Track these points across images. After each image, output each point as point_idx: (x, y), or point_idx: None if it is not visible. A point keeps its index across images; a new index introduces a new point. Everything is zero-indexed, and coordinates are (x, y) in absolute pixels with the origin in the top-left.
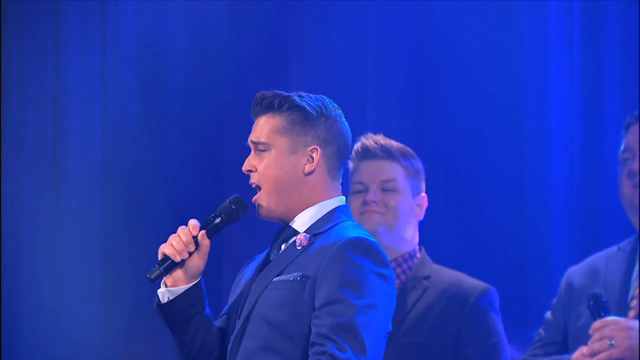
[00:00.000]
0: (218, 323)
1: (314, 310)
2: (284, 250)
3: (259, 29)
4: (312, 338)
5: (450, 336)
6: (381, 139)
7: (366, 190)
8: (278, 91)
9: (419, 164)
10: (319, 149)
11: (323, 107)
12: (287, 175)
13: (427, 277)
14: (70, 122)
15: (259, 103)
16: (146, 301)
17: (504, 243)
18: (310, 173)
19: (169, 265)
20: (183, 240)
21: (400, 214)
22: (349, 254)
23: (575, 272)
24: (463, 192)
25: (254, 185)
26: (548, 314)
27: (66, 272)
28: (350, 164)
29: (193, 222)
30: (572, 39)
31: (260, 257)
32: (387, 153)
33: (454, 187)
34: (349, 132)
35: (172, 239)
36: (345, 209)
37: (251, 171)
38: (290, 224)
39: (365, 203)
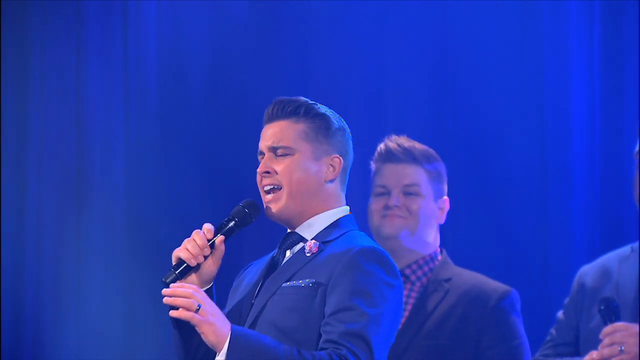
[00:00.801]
0: None
1: (324, 317)
2: (292, 256)
3: (280, 30)
4: (321, 344)
5: (471, 339)
6: (405, 141)
7: (388, 193)
8: (299, 97)
9: (441, 167)
10: (340, 158)
11: (341, 120)
12: (310, 179)
13: (448, 280)
14: (93, 123)
15: (280, 108)
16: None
17: (525, 245)
18: (331, 181)
19: (185, 269)
20: (199, 244)
21: (422, 218)
22: (361, 262)
23: (588, 273)
24: (485, 194)
25: (267, 188)
26: (560, 314)
27: (89, 276)
28: (373, 165)
29: (208, 226)
30: (592, 39)
31: (260, 263)
32: (410, 156)
33: (475, 189)
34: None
35: (187, 242)
36: (350, 219)
37: (268, 172)
38: (296, 230)
39: (387, 207)
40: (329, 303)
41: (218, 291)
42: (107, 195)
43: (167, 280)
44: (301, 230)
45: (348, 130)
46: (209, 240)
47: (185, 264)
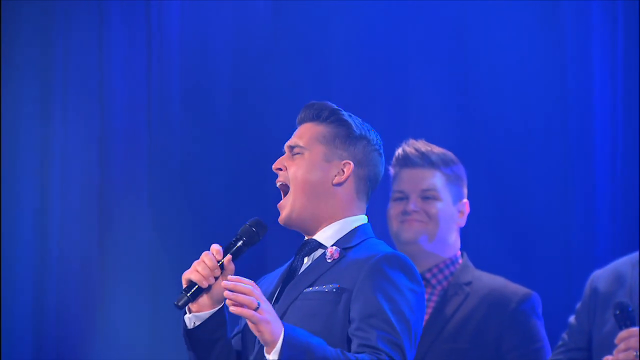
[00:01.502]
0: (233, 343)
1: (349, 322)
2: (312, 262)
3: (304, 31)
4: (357, 348)
5: (491, 342)
6: (422, 145)
7: (406, 198)
8: (329, 103)
9: (460, 170)
10: (351, 164)
11: (367, 131)
12: (315, 179)
13: (468, 283)
14: (116, 125)
15: (306, 111)
16: None
17: (547, 248)
18: (339, 185)
19: (196, 291)
20: (209, 266)
21: (441, 222)
22: (385, 268)
23: (600, 277)
24: (506, 197)
25: (279, 184)
26: (572, 319)
27: (114, 280)
28: (391, 170)
29: (216, 247)
30: (615, 40)
31: (274, 274)
32: (427, 161)
33: (497, 192)
34: (383, 167)
35: (197, 265)
36: (368, 228)
37: (280, 169)
38: (314, 237)
39: (405, 212)
40: (355, 308)
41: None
42: (131, 198)
43: (180, 303)
44: (319, 237)
45: (377, 145)
46: (218, 262)
47: (197, 286)
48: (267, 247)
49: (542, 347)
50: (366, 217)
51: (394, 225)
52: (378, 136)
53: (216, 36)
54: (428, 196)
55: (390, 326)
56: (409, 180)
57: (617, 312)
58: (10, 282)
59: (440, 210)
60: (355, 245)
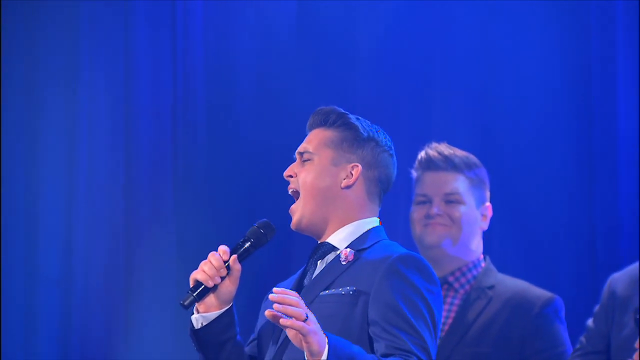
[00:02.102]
0: (248, 350)
1: (368, 324)
2: (327, 265)
3: (327, 35)
4: (385, 350)
5: (514, 346)
6: (445, 148)
7: (429, 202)
8: (336, 107)
9: (483, 173)
10: (359, 167)
11: (376, 133)
12: (324, 184)
13: (491, 287)
14: (141, 129)
15: (314, 116)
16: None
17: (572, 252)
18: (348, 187)
19: (202, 291)
20: (215, 265)
21: (464, 226)
22: (402, 269)
23: (618, 281)
24: (529, 200)
25: (291, 191)
26: (589, 322)
27: (139, 276)
28: (414, 173)
29: (223, 248)
30: None
31: (288, 281)
32: (450, 164)
33: (520, 195)
34: (395, 167)
35: (204, 265)
36: (381, 230)
37: (291, 177)
38: (327, 241)
39: (428, 216)
40: (374, 310)
41: (240, 309)
42: (156, 204)
43: (185, 303)
44: (332, 240)
45: (386, 146)
46: (225, 262)
47: (203, 286)
48: (292, 252)
49: (565, 351)
50: (378, 220)
51: (417, 229)
52: (388, 137)
53: (240, 38)
54: (451, 200)
55: (412, 328)
56: (432, 183)
57: (638, 317)
58: (35, 305)
59: (464, 214)
60: (369, 247)
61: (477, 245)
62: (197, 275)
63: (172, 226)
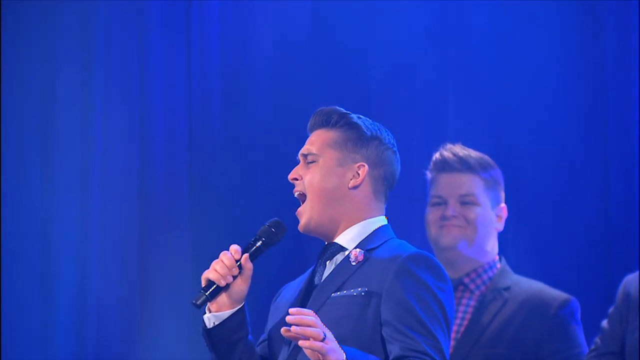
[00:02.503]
0: (259, 350)
1: (381, 325)
2: (337, 266)
3: (342, 35)
4: (401, 351)
5: (530, 347)
6: (459, 149)
7: (445, 203)
8: (337, 107)
9: (498, 174)
10: (366, 166)
11: (378, 131)
12: (331, 185)
13: (507, 288)
14: (156, 130)
15: (316, 117)
16: None
17: (588, 253)
18: (355, 188)
19: (214, 291)
20: (227, 264)
21: (480, 227)
22: (413, 268)
23: (633, 282)
24: (546, 201)
25: (297, 194)
26: (604, 323)
27: (154, 278)
28: (428, 175)
29: (235, 247)
30: None
31: (297, 281)
32: (465, 165)
33: (536, 196)
34: (399, 164)
35: (216, 264)
36: (388, 229)
37: (297, 179)
38: (335, 241)
39: (444, 217)
40: (386, 311)
41: (250, 309)
42: (171, 206)
43: (198, 302)
44: (340, 241)
45: (389, 143)
46: (236, 261)
47: (215, 285)
48: (303, 251)
49: (582, 352)
50: (385, 218)
51: (432, 230)
52: (390, 134)
53: (255, 39)
54: (466, 201)
55: (426, 329)
56: (447, 185)
57: None
58: (50, 308)
59: (479, 215)
60: (378, 246)
61: (492, 246)
62: (209, 274)
63: (187, 229)
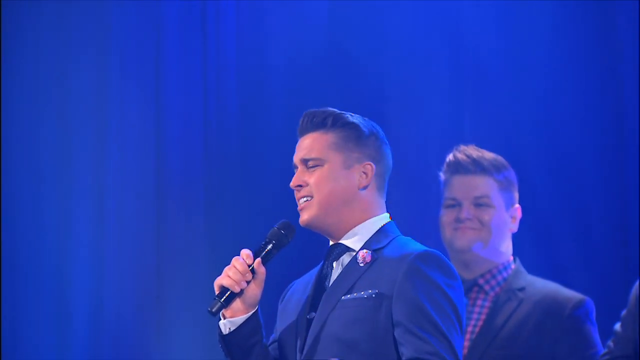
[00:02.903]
0: (269, 351)
1: (392, 326)
2: (345, 268)
3: (359, 35)
4: (417, 354)
5: (546, 349)
6: (473, 151)
7: (459, 205)
8: (329, 108)
9: (511, 175)
10: (372, 165)
11: (373, 127)
12: (341, 188)
13: (522, 289)
14: (172, 130)
15: (309, 120)
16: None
17: (604, 253)
18: (364, 188)
19: (229, 297)
20: (239, 270)
21: (494, 229)
22: (422, 268)
23: None
24: (561, 201)
25: (302, 200)
26: (617, 326)
27: (170, 281)
28: (442, 176)
29: (246, 252)
30: None
31: (305, 279)
32: (479, 167)
33: (552, 196)
34: (391, 155)
35: (228, 270)
36: (393, 226)
37: (301, 186)
38: (341, 242)
39: (458, 220)
40: (398, 311)
41: (263, 311)
42: (187, 204)
43: (213, 310)
44: (346, 241)
45: (383, 137)
46: (249, 266)
47: (229, 292)
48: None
49: (597, 352)
50: (388, 215)
51: (447, 232)
52: (379, 127)
53: (272, 39)
54: (481, 203)
55: (438, 330)
56: (461, 187)
57: None
58: (66, 310)
59: (494, 217)
60: (385, 246)
61: (506, 247)
62: (222, 281)
63: (203, 230)
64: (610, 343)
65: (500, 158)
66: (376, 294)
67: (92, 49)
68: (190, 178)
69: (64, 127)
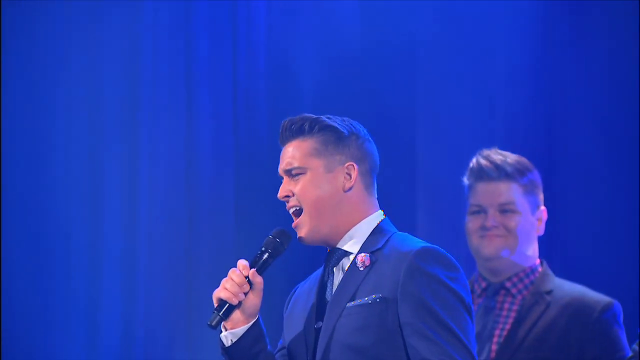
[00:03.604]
0: (277, 358)
1: (400, 328)
2: (345, 273)
3: (391, 33)
4: (425, 356)
5: (574, 352)
6: (496, 156)
7: (484, 212)
8: (306, 114)
9: (535, 177)
10: (355, 165)
11: (352, 126)
12: (326, 193)
13: (549, 292)
14: (202, 131)
15: (287, 129)
16: (278, 301)
17: (630, 256)
18: (350, 189)
19: (228, 310)
20: (236, 282)
21: (520, 234)
22: (422, 266)
23: None
24: (588, 203)
25: (292, 210)
26: None
27: (199, 288)
28: (466, 181)
29: (243, 263)
30: None
31: (309, 283)
32: (503, 173)
33: (578, 197)
34: (377, 151)
35: (225, 282)
36: (387, 223)
37: (288, 196)
38: (338, 246)
39: (484, 227)
40: (405, 314)
41: (269, 316)
42: (217, 207)
43: (213, 324)
44: (343, 245)
45: (365, 134)
46: (246, 277)
47: (228, 304)
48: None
49: (624, 356)
50: (382, 212)
51: (473, 240)
52: (360, 125)
53: (302, 39)
54: (506, 209)
55: (448, 329)
56: (486, 194)
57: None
58: (97, 302)
59: (519, 223)
60: (383, 246)
61: (533, 250)
62: (220, 293)
63: (233, 234)
64: (636, 346)
65: (523, 160)
66: (380, 298)
67: (123, 50)
68: (220, 182)
69: (96, 130)
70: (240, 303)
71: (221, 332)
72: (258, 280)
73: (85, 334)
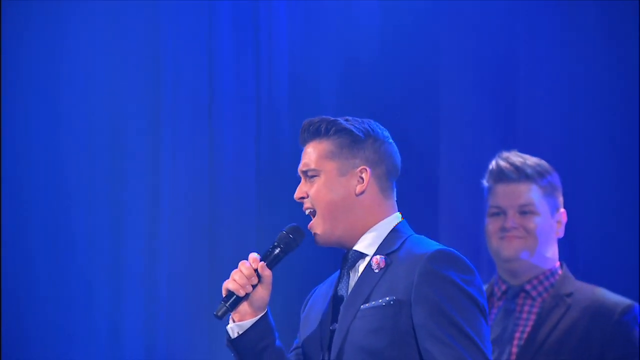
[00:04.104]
0: (291, 358)
1: (414, 331)
2: (360, 275)
3: (412, 34)
4: (444, 359)
5: (594, 354)
6: (516, 157)
7: (503, 213)
8: (325, 116)
9: (555, 179)
10: (368, 169)
11: (370, 129)
12: (338, 197)
13: (569, 295)
14: (224, 136)
15: (305, 130)
16: (296, 300)
17: None
18: (362, 193)
19: (235, 301)
20: (245, 274)
21: (540, 236)
22: (437, 268)
23: None
24: (607, 204)
25: (308, 212)
26: None
27: (220, 277)
28: (485, 183)
29: (253, 255)
30: None
31: (326, 286)
32: (522, 175)
33: (597, 199)
34: (398, 153)
35: (234, 274)
36: (404, 226)
37: (303, 198)
38: (354, 248)
39: (504, 229)
40: (419, 316)
41: (281, 315)
42: (239, 211)
43: (219, 314)
44: (359, 247)
45: (384, 137)
46: (255, 270)
47: (235, 295)
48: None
49: None
50: (399, 214)
51: (493, 242)
52: (382, 127)
53: (324, 40)
54: (525, 211)
55: (463, 332)
56: (505, 195)
57: None
58: (120, 307)
59: (539, 224)
60: (398, 248)
61: (553, 253)
62: (228, 284)
63: (254, 227)
64: None
65: (543, 162)
66: (394, 300)
67: (145, 51)
68: (242, 187)
69: (118, 137)
70: (247, 295)
71: (228, 323)
72: (267, 273)
73: (106, 339)
